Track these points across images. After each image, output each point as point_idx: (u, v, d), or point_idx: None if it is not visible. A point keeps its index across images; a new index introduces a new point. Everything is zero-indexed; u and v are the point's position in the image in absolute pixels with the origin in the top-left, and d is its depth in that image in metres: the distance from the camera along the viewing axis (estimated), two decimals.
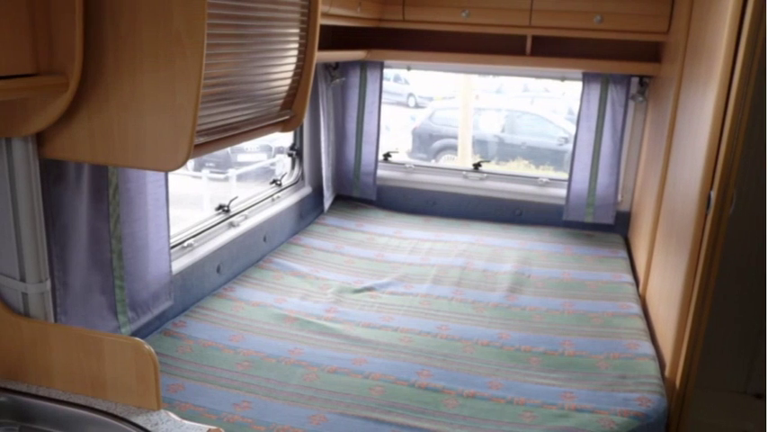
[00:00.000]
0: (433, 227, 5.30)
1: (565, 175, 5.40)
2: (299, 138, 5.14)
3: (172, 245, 3.43)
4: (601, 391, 3.04)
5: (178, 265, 3.52)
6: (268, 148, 9.53)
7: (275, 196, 4.80)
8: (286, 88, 2.73)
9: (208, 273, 3.83)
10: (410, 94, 13.48)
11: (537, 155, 10.74)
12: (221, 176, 9.18)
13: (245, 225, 4.25)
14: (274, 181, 4.98)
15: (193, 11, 1.79)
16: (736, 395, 4.29)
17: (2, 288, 2.13)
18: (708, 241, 2.96)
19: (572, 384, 3.12)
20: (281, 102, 2.73)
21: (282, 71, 2.65)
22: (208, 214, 4.07)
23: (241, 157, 9.75)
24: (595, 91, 4.92)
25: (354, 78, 5.48)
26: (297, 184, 5.19)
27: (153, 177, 3.04)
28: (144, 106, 1.90)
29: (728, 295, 4.16)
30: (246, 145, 9.01)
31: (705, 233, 2.99)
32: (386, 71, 5.51)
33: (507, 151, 10.93)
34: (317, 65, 2.92)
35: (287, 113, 2.77)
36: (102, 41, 1.86)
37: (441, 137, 11.15)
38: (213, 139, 2.24)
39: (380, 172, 5.71)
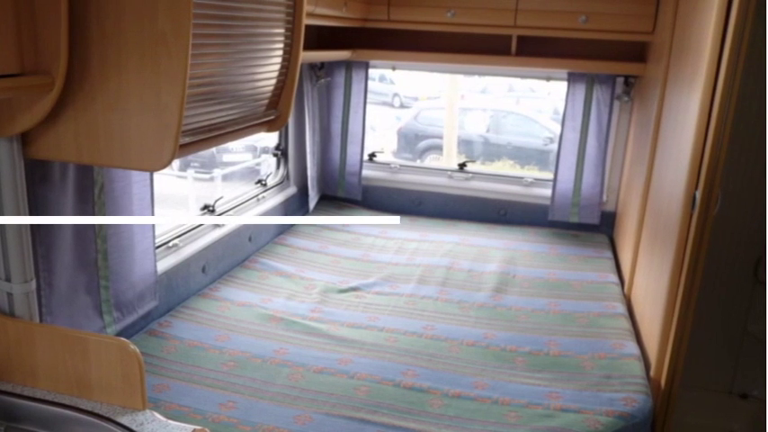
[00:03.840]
0: (418, 227, 5.30)
1: (550, 175, 5.41)
2: (284, 138, 5.14)
3: (157, 245, 3.43)
4: (586, 391, 3.05)
5: (163, 265, 3.51)
6: (253, 148, 9.50)
7: (260, 196, 4.79)
8: (271, 88, 2.72)
9: (193, 273, 3.82)
10: (395, 94, 13.48)
11: (522, 155, 10.75)
12: (206, 176, 9.15)
13: (231, 225, 4.24)
14: (259, 181, 4.98)
15: (179, 11, 1.79)
16: (721, 395, 4.32)
17: None
18: (693, 241, 2.98)
19: (557, 384, 3.12)
20: (266, 102, 2.73)
21: (268, 71, 2.64)
22: (193, 214, 4.05)
23: (226, 157, 9.72)
24: (581, 91, 4.93)
25: (339, 78, 5.47)
26: (282, 184, 5.18)
27: (138, 177, 3.03)
28: (129, 106, 1.90)
29: (713, 295, 4.18)
30: (232, 145, 8.98)
31: (690, 233, 3.00)
32: (371, 71, 5.50)
33: (492, 151, 10.94)
34: (302, 65, 2.91)
35: (272, 113, 2.77)
36: (87, 41, 1.86)
37: (426, 137, 11.15)
38: (198, 139, 2.24)
39: (366, 172, 5.71)
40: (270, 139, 5.47)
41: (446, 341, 3.50)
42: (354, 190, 5.65)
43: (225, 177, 9.01)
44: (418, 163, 9.86)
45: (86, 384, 2.02)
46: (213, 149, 8.81)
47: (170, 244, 3.65)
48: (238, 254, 4.36)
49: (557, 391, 3.06)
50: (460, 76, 9.66)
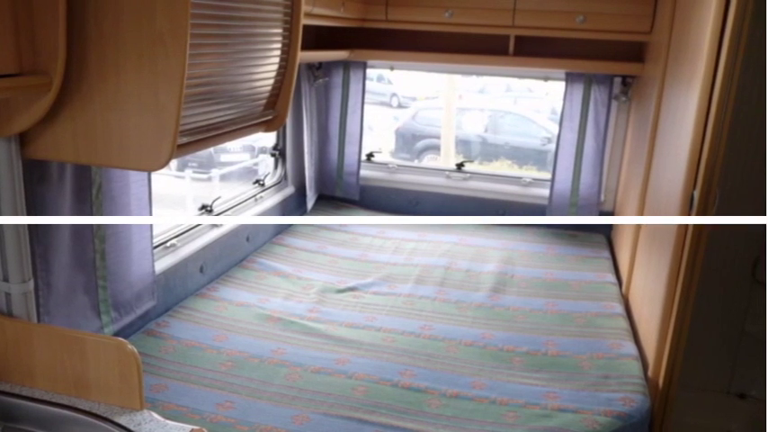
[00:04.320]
0: (416, 227, 5.29)
1: (548, 175, 5.42)
2: (281, 138, 5.13)
3: (155, 245, 3.43)
4: (584, 391, 3.06)
5: (161, 264, 3.51)
6: (251, 148, 9.50)
7: (258, 196, 4.79)
8: (269, 88, 2.72)
9: (191, 273, 3.82)
10: (393, 94, 13.46)
11: (520, 155, 10.74)
12: (204, 176, 9.14)
13: (228, 225, 4.24)
14: (257, 181, 4.98)
15: (176, 11, 1.79)
16: (719, 395, 4.31)
17: None
18: (691, 241, 2.97)
19: (555, 384, 3.13)
20: (264, 102, 2.72)
21: (265, 71, 2.64)
22: (191, 214, 4.05)
23: (224, 157, 9.71)
24: (578, 91, 4.93)
25: (337, 78, 5.47)
26: (280, 184, 5.18)
27: (136, 177, 3.03)
28: (127, 106, 1.89)
29: (711, 295, 4.17)
30: (229, 145, 8.97)
31: (688, 233, 3.00)
32: (369, 71, 5.51)
33: (490, 151, 10.93)
34: (300, 65, 2.91)
35: (270, 113, 2.76)
36: (85, 41, 1.86)
37: (424, 137, 11.14)
38: (196, 139, 2.23)
39: (363, 172, 5.71)
40: (268, 139, 5.47)
41: (444, 341, 3.50)
42: (352, 190, 5.65)
43: (223, 177, 9.01)
44: (416, 163, 9.85)
45: (84, 384, 2.02)
46: (211, 149, 8.80)
47: (168, 244, 3.65)
48: (236, 254, 4.36)
49: (554, 391, 3.07)
50: (458, 76, 9.65)
